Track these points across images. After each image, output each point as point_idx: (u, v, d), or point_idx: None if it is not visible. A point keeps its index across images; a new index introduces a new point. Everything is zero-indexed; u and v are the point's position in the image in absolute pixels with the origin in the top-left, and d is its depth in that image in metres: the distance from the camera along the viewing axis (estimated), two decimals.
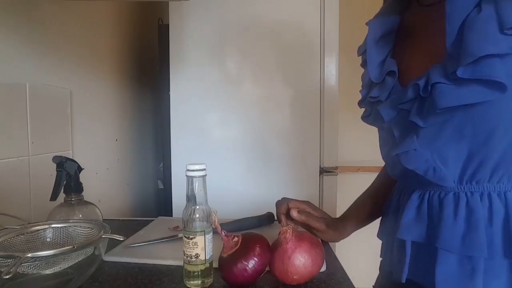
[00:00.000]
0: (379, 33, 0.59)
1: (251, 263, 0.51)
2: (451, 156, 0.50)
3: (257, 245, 0.53)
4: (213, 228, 0.54)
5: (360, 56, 0.66)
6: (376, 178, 0.79)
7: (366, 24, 0.62)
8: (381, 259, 0.68)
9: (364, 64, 0.64)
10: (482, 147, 0.47)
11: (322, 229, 0.71)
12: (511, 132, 0.46)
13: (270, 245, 0.55)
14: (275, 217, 0.79)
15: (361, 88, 0.65)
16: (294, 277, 0.52)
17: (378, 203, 0.72)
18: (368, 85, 0.61)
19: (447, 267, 0.49)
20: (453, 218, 0.49)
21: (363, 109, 0.65)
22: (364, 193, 0.78)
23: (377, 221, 0.72)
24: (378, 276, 0.70)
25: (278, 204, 0.74)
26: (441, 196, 0.51)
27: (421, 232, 0.53)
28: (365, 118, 0.64)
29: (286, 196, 0.75)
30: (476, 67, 0.43)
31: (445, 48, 0.47)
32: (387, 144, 0.60)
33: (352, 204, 0.78)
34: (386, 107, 0.55)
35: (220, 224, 0.54)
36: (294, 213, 0.69)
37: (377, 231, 0.68)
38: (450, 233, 0.49)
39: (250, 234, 0.56)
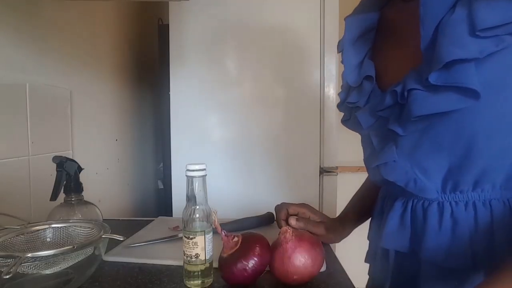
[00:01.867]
0: (357, 32, 0.56)
1: (251, 263, 0.51)
2: (432, 167, 0.48)
3: (257, 245, 0.53)
4: (213, 228, 0.54)
5: (340, 53, 0.63)
6: (367, 178, 0.78)
7: (344, 19, 0.59)
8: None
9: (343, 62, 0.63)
10: (462, 158, 0.45)
11: (322, 233, 0.71)
12: (493, 140, 0.43)
13: (270, 245, 0.55)
14: (275, 218, 0.79)
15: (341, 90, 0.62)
16: (294, 277, 0.52)
17: (371, 202, 0.72)
18: (346, 88, 0.59)
19: (431, 279, 0.48)
20: (438, 229, 0.48)
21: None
22: (357, 192, 0.78)
23: None
24: (369, 280, 0.68)
25: (278, 209, 0.74)
26: (425, 205, 0.50)
27: (405, 242, 0.51)
28: (344, 122, 0.61)
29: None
30: (448, 73, 0.41)
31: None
32: (367, 151, 0.59)
33: (348, 203, 0.78)
34: (364, 113, 0.52)
35: (220, 224, 0.54)
36: (292, 222, 0.69)
37: None
38: (434, 244, 0.47)
39: (250, 234, 0.56)
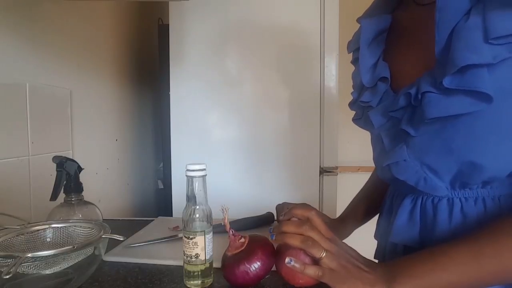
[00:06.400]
0: (372, 34, 0.57)
1: (254, 267, 0.51)
2: (441, 168, 0.49)
3: (262, 250, 0.52)
4: (213, 228, 0.54)
5: (352, 54, 0.64)
6: (369, 179, 0.79)
7: (357, 21, 0.60)
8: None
9: (355, 61, 0.63)
10: (471, 162, 0.45)
11: None
12: (503, 145, 0.44)
13: (275, 247, 0.55)
14: (275, 217, 0.79)
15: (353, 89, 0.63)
16: (301, 281, 0.52)
17: (373, 203, 0.72)
18: (359, 87, 0.60)
19: None
20: (448, 223, 0.49)
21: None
22: (359, 192, 0.78)
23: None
24: None
25: (279, 209, 0.74)
26: (435, 201, 0.51)
27: (414, 236, 0.52)
28: (356, 120, 0.63)
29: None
30: (462, 77, 0.42)
31: None
32: (376, 150, 0.60)
33: (349, 204, 0.78)
34: (376, 113, 0.54)
35: (217, 224, 0.53)
36: None
37: None
38: (445, 238, 0.48)
39: (257, 237, 0.56)
